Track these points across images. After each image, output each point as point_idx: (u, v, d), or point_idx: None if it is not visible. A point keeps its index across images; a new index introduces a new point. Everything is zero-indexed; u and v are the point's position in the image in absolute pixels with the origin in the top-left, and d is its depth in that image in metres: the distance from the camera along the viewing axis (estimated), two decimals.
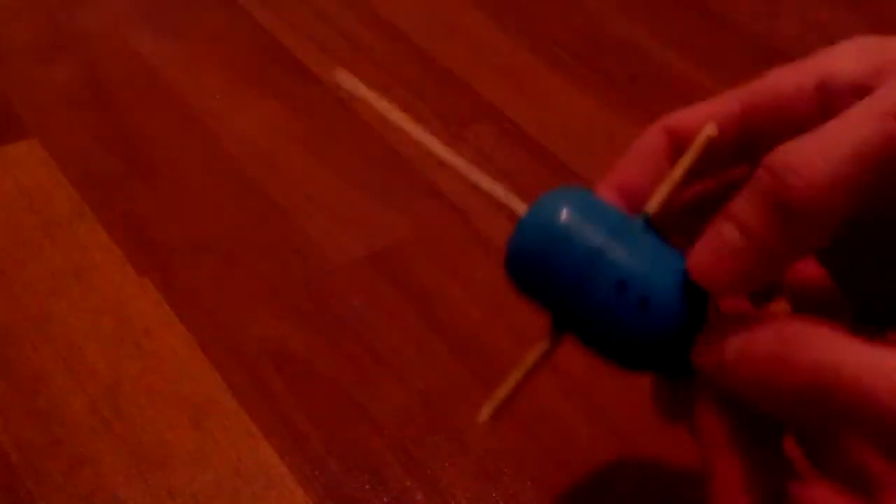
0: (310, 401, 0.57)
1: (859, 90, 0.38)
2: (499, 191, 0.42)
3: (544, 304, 0.41)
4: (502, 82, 0.80)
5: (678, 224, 0.43)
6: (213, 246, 0.66)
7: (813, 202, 0.34)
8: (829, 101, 0.39)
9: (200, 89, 0.78)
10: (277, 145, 0.74)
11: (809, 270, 0.45)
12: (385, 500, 0.52)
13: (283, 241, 0.66)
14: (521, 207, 0.40)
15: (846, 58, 0.39)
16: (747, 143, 0.42)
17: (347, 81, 0.42)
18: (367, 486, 0.53)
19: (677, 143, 0.42)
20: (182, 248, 0.65)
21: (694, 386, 0.40)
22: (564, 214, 0.39)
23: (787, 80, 0.40)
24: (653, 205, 0.41)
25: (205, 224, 0.67)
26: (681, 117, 0.42)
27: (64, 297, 0.62)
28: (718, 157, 0.42)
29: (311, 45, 0.83)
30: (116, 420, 0.56)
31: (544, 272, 0.39)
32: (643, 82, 0.80)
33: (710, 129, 0.41)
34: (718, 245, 0.37)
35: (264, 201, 0.69)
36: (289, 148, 0.73)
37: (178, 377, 0.58)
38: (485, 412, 0.41)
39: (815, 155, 0.35)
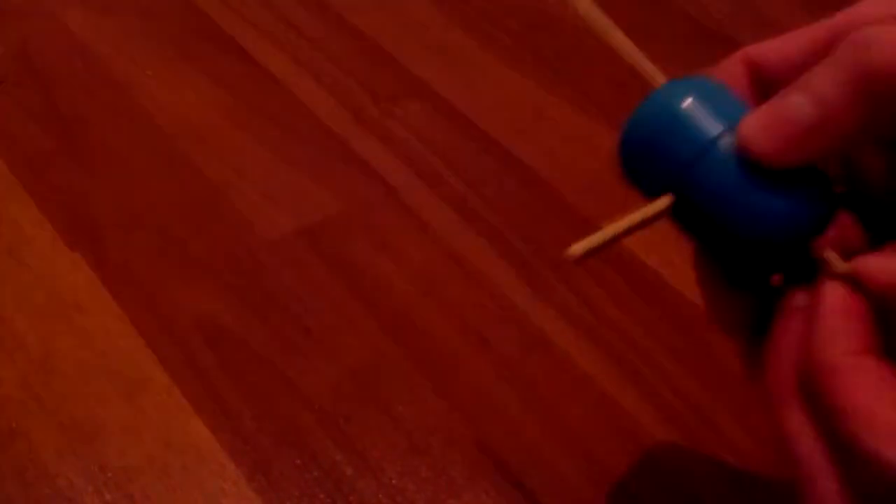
0: (241, 376, 0.57)
1: None
2: (647, 66, 0.40)
3: (659, 183, 0.39)
4: (433, 59, 0.80)
5: None
6: (144, 222, 0.66)
7: (891, 67, 0.33)
8: None
9: (132, 65, 0.78)
10: (209, 121, 0.74)
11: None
12: (315, 474, 0.53)
13: (215, 217, 0.66)
14: (659, 79, 0.40)
15: None
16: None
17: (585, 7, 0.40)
18: (298, 461, 0.53)
19: (757, 76, 0.41)
20: (114, 223, 0.65)
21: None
22: (695, 90, 0.38)
23: (871, 14, 0.38)
24: None
25: (136, 200, 0.67)
26: (763, 49, 0.41)
27: None
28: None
29: (242, 21, 0.83)
30: (47, 394, 0.56)
31: (668, 142, 0.38)
32: (574, 60, 0.81)
33: None
34: (781, 111, 0.36)
35: (196, 177, 0.69)
36: (220, 124, 0.73)
37: (109, 352, 0.58)
38: (578, 248, 0.38)
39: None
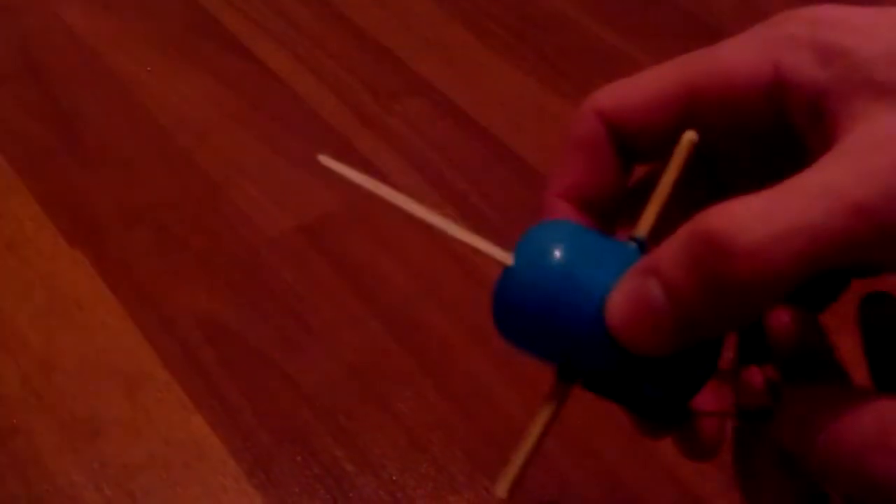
0: (241, 373, 0.57)
1: (814, 106, 0.34)
2: (481, 243, 0.38)
3: (544, 356, 0.37)
4: (434, 56, 0.80)
5: (624, 208, 0.40)
6: (144, 219, 0.66)
7: (749, 275, 0.30)
8: (783, 105, 0.35)
9: (132, 62, 0.78)
10: (209, 119, 0.74)
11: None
12: (316, 470, 0.53)
13: (215, 214, 0.66)
14: (506, 257, 0.36)
15: (804, 53, 0.35)
16: (688, 125, 0.37)
17: (331, 164, 0.39)
18: (298, 458, 0.54)
19: (616, 129, 0.38)
20: (114, 220, 0.66)
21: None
22: (556, 255, 0.35)
23: (740, 69, 0.36)
24: (643, 228, 0.37)
25: (137, 197, 0.67)
26: (614, 100, 0.38)
27: None
28: (659, 139, 0.38)
29: (243, 18, 0.83)
30: (48, 391, 0.56)
31: (542, 322, 0.35)
32: (575, 56, 0.81)
33: (691, 136, 0.37)
34: (640, 300, 0.33)
35: (196, 174, 0.69)
36: (220, 121, 0.73)
37: (110, 349, 0.58)
38: (502, 488, 0.36)
39: (758, 221, 0.30)
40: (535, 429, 0.36)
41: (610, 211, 0.39)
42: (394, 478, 0.53)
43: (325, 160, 0.37)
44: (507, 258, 0.36)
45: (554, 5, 0.86)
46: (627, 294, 0.34)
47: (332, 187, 0.68)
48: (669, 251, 0.32)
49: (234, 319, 0.60)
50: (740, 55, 0.36)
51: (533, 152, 0.71)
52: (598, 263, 0.35)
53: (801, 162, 0.32)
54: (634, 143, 0.38)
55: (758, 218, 0.30)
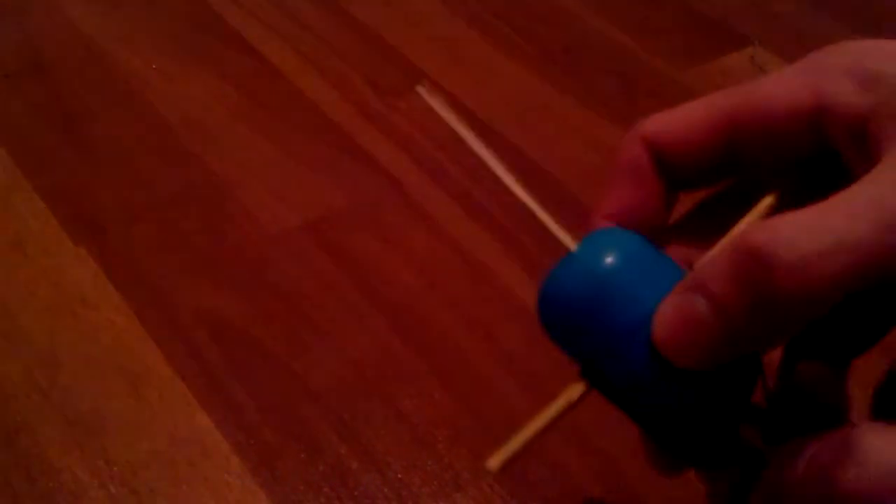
0: (246, 370, 0.57)
1: (856, 130, 0.35)
2: (550, 222, 0.37)
3: (576, 351, 0.37)
4: (438, 52, 0.80)
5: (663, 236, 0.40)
6: (149, 216, 0.66)
7: (794, 290, 0.31)
8: (824, 132, 0.36)
9: (137, 59, 0.78)
10: (213, 116, 0.74)
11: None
12: (320, 468, 0.53)
13: (219, 211, 0.66)
14: (571, 244, 0.37)
15: (845, 80, 0.36)
16: (732, 155, 0.38)
17: (428, 97, 0.39)
18: (303, 455, 0.54)
19: (660, 157, 0.39)
20: (118, 217, 0.66)
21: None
22: (618, 255, 0.36)
23: (780, 98, 0.37)
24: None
25: (141, 194, 0.67)
26: (659, 127, 0.39)
27: (0, 267, 0.62)
28: (703, 168, 0.39)
29: (247, 15, 0.83)
30: (52, 388, 0.56)
31: (587, 315, 0.36)
32: (578, 53, 0.81)
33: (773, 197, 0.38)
34: (686, 314, 0.34)
35: (200, 171, 0.69)
36: (225, 118, 0.74)
37: (114, 346, 0.58)
38: (495, 461, 0.36)
39: (803, 237, 0.31)
40: (541, 420, 0.36)
41: (652, 237, 0.39)
42: (399, 475, 0.53)
43: (423, 91, 0.38)
44: (571, 245, 0.37)
45: (559, 3, 0.86)
46: (674, 308, 0.34)
47: (337, 184, 0.68)
48: (715, 266, 0.33)
49: (238, 316, 0.60)
50: (782, 86, 0.37)
51: (537, 150, 0.71)
52: (655, 275, 0.36)
53: (844, 186, 0.33)
54: (677, 171, 0.39)
55: (803, 233, 0.31)
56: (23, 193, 0.67)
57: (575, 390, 0.37)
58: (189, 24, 0.82)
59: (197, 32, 0.82)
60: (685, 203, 0.41)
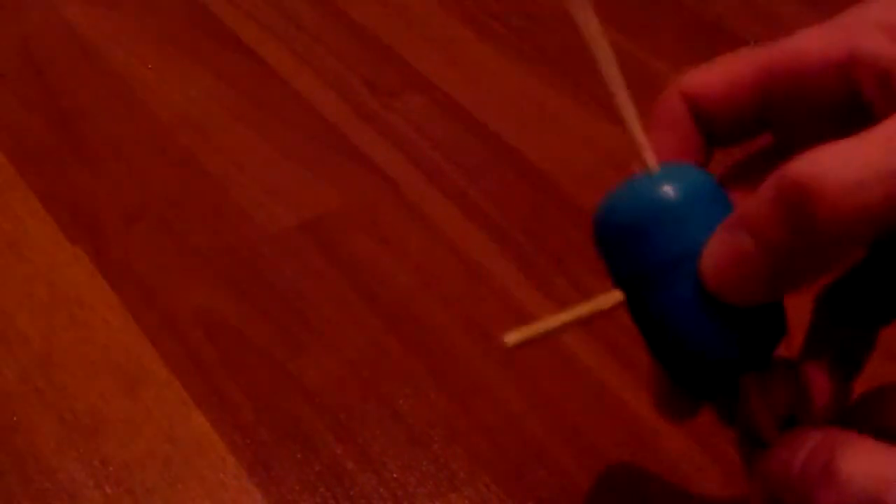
0: (241, 370, 0.57)
1: (887, 76, 0.35)
2: (642, 137, 0.38)
3: (622, 268, 0.38)
4: (434, 53, 0.80)
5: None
6: (145, 215, 0.66)
7: (836, 218, 0.31)
8: (856, 78, 0.37)
9: (132, 59, 0.78)
10: (209, 115, 0.74)
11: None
12: (316, 468, 0.53)
13: (215, 211, 0.66)
14: (654, 165, 0.38)
15: (876, 32, 0.36)
16: (766, 108, 0.39)
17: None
18: (299, 455, 0.53)
19: (698, 112, 0.40)
20: (114, 217, 0.66)
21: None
22: (692, 186, 0.37)
23: (813, 48, 0.38)
24: None
25: (137, 193, 0.67)
26: (696, 80, 0.40)
27: None
28: (738, 123, 0.40)
29: (243, 15, 0.83)
30: (48, 388, 0.56)
31: (648, 232, 0.37)
32: (577, 54, 0.80)
33: None
34: (732, 250, 0.35)
35: (196, 171, 0.69)
36: (221, 118, 0.73)
37: (110, 346, 0.58)
38: (513, 337, 0.37)
39: (843, 167, 0.31)
40: (567, 315, 0.38)
41: None
42: (394, 475, 0.53)
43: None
44: (654, 166, 0.38)
45: (556, 3, 0.86)
46: (721, 242, 0.35)
47: (332, 184, 0.68)
48: (757, 200, 0.34)
49: (234, 316, 0.60)
50: (816, 39, 0.38)
51: (533, 150, 0.71)
52: (714, 213, 0.37)
53: None
54: (715, 126, 0.40)
55: (843, 163, 0.32)
56: (18, 193, 0.67)
57: (609, 298, 0.38)
58: (185, 24, 0.82)
59: (192, 32, 0.81)
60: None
